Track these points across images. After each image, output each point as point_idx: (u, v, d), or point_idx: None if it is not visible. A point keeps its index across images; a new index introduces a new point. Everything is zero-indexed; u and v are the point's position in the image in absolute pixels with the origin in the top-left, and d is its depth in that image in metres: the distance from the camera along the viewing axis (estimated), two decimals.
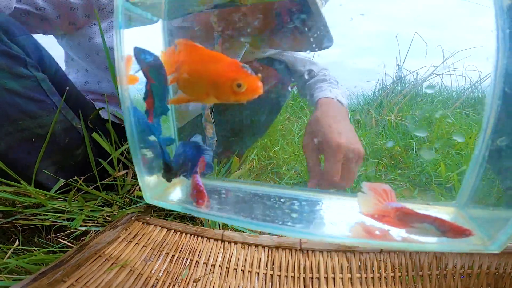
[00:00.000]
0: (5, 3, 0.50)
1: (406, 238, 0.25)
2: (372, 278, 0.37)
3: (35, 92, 0.47)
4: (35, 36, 0.54)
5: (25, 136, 0.46)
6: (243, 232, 0.43)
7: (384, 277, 0.37)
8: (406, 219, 0.25)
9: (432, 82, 1.01)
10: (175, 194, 0.41)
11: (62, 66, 0.79)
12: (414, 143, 0.78)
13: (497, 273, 0.34)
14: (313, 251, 0.39)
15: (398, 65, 1.04)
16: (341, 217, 0.32)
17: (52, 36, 0.63)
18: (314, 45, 0.51)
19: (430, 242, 0.25)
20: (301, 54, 0.73)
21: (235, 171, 0.57)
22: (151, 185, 0.37)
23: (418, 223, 0.25)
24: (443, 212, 0.30)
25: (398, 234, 0.25)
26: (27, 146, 0.47)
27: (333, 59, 0.77)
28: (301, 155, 0.79)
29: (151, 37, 0.39)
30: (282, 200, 0.36)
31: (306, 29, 0.48)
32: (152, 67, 0.31)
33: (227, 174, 0.58)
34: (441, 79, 1.04)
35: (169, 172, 0.37)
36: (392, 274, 0.37)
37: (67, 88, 0.52)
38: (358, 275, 0.37)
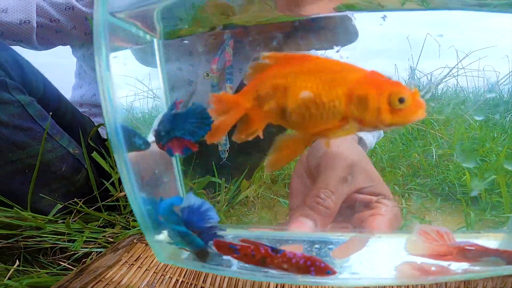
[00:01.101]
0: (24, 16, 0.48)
1: (468, 270, 0.22)
2: None
3: (21, 119, 0.43)
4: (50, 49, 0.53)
5: (16, 168, 0.43)
6: None
7: None
8: (472, 255, 0.22)
9: (448, 83, 0.96)
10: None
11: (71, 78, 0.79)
12: (433, 149, 0.73)
13: None
14: None
15: (410, 67, 1.00)
16: (387, 259, 0.27)
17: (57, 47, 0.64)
18: (339, 40, 0.44)
19: (494, 270, 0.22)
20: (317, 53, 0.69)
21: (245, 190, 0.54)
22: (163, 242, 0.30)
23: (485, 257, 0.22)
24: (493, 238, 0.27)
25: (460, 267, 0.23)
26: (20, 178, 0.44)
27: (343, 61, 0.74)
28: None
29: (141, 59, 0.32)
30: (317, 246, 0.29)
31: (329, 24, 0.41)
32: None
33: (237, 192, 0.56)
34: (457, 81, 1.00)
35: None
36: None
37: (50, 114, 0.48)
38: None
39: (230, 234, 0.31)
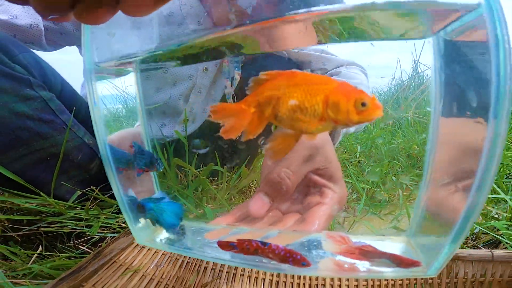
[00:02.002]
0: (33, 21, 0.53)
1: (370, 270, 0.28)
2: (379, 286, 0.36)
3: (44, 112, 0.48)
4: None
5: (39, 156, 0.48)
6: None
7: (392, 284, 0.36)
8: (368, 255, 0.28)
9: None
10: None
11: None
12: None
13: (510, 281, 0.33)
14: None
15: (414, 60, 1.00)
16: (315, 253, 0.32)
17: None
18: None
19: (389, 271, 0.28)
20: (311, 48, 0.71)
21: (245, 178, 0.57)
22: (141, 225, 0.37)
23: (377, 258, 0.28)
24: (396, 241, 0.32)
25: (363, 266, 0.28)
26: (42, 165, 0.49)
27: (347, 56, 0.75)
28: None
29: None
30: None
31: None
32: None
33: (239, 181, 0.59)
34: None
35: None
36: (400, 282, 0.36)
37: (74, 108, 0.53)
38: (365, 282, 0.37)
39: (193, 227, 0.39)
